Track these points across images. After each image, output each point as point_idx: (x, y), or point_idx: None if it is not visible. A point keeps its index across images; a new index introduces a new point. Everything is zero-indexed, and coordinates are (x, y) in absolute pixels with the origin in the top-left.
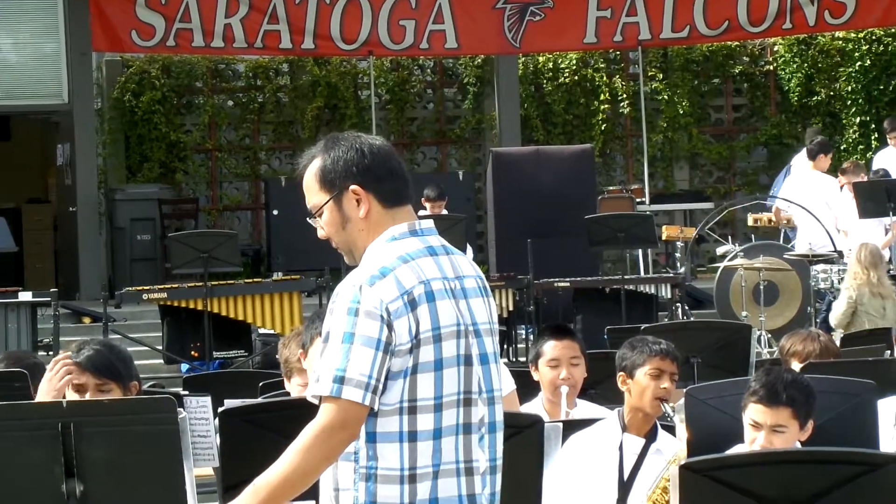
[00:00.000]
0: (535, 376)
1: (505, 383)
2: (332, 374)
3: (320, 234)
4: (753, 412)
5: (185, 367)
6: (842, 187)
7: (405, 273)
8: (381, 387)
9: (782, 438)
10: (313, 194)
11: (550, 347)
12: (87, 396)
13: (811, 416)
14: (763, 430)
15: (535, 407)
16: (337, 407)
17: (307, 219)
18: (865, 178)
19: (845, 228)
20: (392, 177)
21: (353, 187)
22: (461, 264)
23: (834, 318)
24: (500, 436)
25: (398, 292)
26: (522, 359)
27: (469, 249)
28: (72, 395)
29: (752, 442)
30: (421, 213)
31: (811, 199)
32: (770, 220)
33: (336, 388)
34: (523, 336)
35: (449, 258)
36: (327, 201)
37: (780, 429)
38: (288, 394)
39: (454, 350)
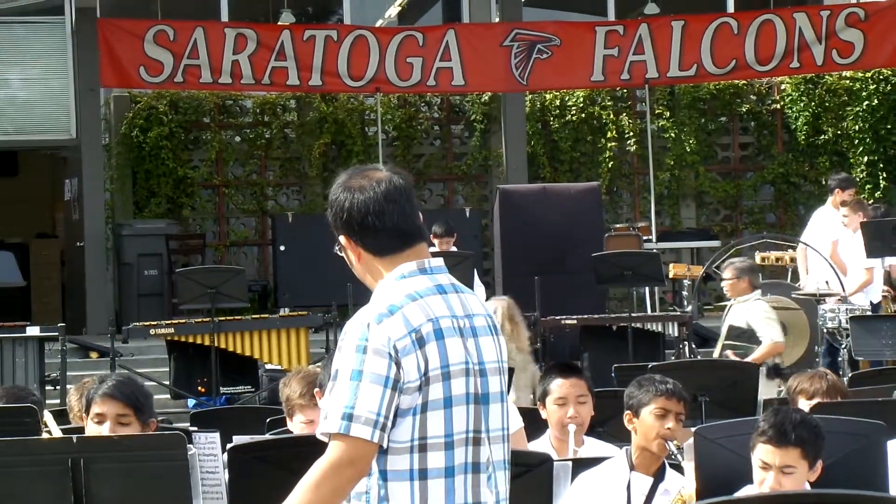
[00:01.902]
0: (543, 414)
1: (512, 421)
2: (341, 411)
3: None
4: (762, 452)
5: (191, 402)
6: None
7: (413, 311)
8: (389, 424)
9: (791, 479)
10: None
11: (557, 386)
12: (107, 427)
13: (820, 457)
14: (772, 470)
15: (542, 444)
16: (345, 444)
17: (335, 249)
18: (863, 217)
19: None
20: (374, 233)
21: (340, 237)
22: (470, 303)
23: None
24: (506, 475)
25: (406, 330)
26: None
27: (481, 287)
28: (91, 426)
29: (762, 483)
30: (430, 250)
31: (823, 235)
32: (777, 259)
33: (345, 426)
34: None
35: (458, 296)
36: (338, 238)
37: (789, 469)
38: (291, 433)
39: (463, 388)
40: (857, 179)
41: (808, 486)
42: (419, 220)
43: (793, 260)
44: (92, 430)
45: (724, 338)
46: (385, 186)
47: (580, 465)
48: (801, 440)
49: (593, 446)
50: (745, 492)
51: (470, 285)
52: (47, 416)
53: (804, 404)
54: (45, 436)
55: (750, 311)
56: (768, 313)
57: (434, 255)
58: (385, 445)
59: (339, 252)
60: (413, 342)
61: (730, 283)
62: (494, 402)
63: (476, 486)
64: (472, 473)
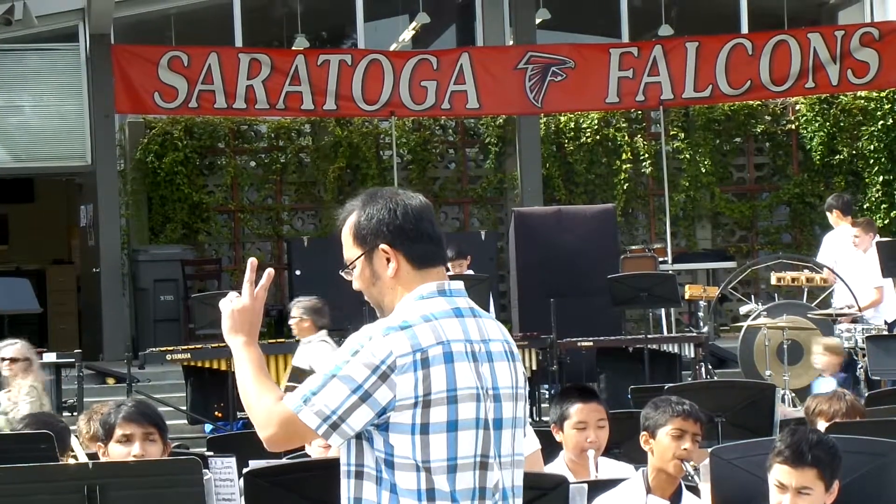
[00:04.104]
0: (558, 437)
1: (529, 444)
2: (303, 393)
3: (354, 285)
4: (779, 473)
5: (208, 427)
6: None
7: (424, 331)
8: (346, 428)
9: (808, 500)
10: (347, 248)
11: (577, 410)
12: (136, 446)
13: (837, 477)
14: (789, 491)
15: (557, 467)
16: (290, 421)
17: (340, 271)
18: (874, 237)
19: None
20: (423, 239)
21: (382, 246)
22: (488, 327)
23: None
24: (517, 501)
25: (410, 348)
26: (546, 418)
27: (490, 308)
28: (117, 449)
29: None
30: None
31: (832, 256)
32: (793, 280)
33: (298, 406)
34: (546, 396)
35: (476, 321)
36: (359, 257)
37: (805, 490)
38: (308, 457)
39: (472, 413)
40: (873, 199)
41: None
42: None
43: (809, 280)
44: (117, 452)
45: (286, 379)
46: (424, 200)
47: (597, 487)
48: (818, 461)
49: (608, 467)
50: None
51: (485, 308)
52: (74, 443)
53: (823, 426)
54: (70, 461)
55: (313, 352)
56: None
57: (453, 279)
58: (333, 444)
59: (347, 273)
60: (415, 361)
61: (295, 323)
62: (507, 427)
63: None
64: (479, 499)
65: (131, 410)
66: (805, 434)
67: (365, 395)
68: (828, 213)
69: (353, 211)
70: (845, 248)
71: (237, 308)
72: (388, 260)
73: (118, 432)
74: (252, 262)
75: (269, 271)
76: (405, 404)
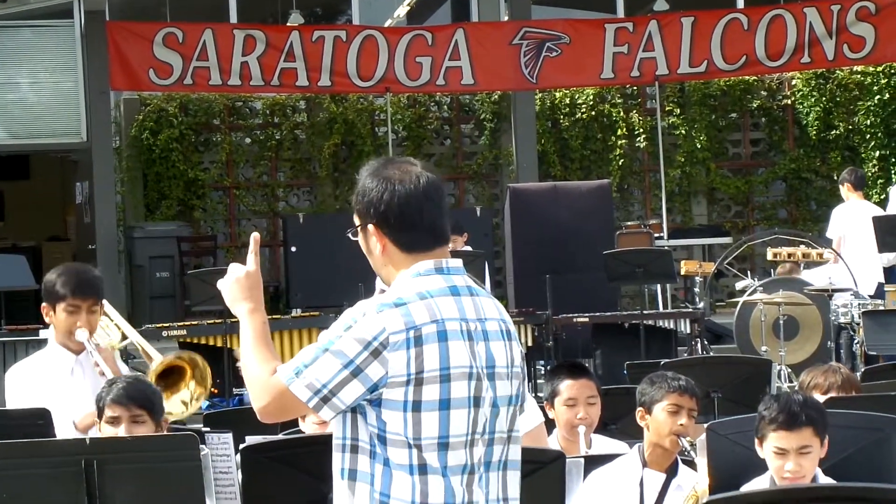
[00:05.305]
0: (550, 414)
1: (531, 417)
2: (296, 366)
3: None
4: (775, 440)
5: (204, 403)
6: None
7: (418, 309)
8: (337, 402)
9: (809, 459)
10: (354, 213)
11: (567, 386)
12: (122, 428)
13: (826, 433)
14: (790, 455)
15: (550, 444)
16: (281, 392)
17: (347, 232)
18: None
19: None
20: (410, 228)
21: (370, 226)
22: (485, 306)
23: None
24: (500, 475)
25: (404, 325)
26: (542, 394)
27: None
28: (106, 429)
29: (779, 469)
30: None
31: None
32: (789, 255)
33: (290, 378)
34: (542, 372)
35: (472, 299)
36: (357, 227)
37: (805, 450)
38: (303, 433)
39: (465, 391)
40: (870, 174)
41: (820, 473)
42: (448, 222)
43: (805, 255)
44: (106, 432)
45: None
46: (425, 182)
47: (592, 462)
48: (811, 419)
49: (601, 443)
50: (754, 484)
51: (482, 283)
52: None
53: (818, 399)
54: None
55: None
56: None
57: (451, 255)
58: (325, 418)
59: (352, 236)
60: (408, 339)
61: None
62: (503, 405)
63: (470, 486)
64: (468, 474)
65: (119, 392)
66: (791, 397)
67: (356, 371)
68: (840, 187)
69: (363, 177)
70: (853, 223)
71: (242, 275)
72: (377, 238)
73: (107, 413)
74: (256, 236)
75: (255, 235)
76: (397, 381)
